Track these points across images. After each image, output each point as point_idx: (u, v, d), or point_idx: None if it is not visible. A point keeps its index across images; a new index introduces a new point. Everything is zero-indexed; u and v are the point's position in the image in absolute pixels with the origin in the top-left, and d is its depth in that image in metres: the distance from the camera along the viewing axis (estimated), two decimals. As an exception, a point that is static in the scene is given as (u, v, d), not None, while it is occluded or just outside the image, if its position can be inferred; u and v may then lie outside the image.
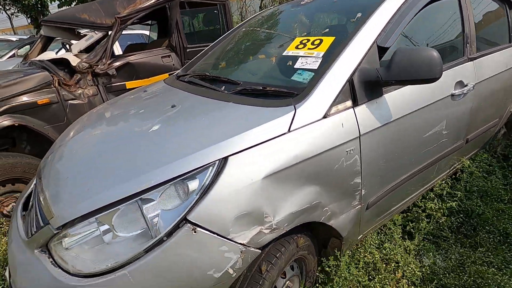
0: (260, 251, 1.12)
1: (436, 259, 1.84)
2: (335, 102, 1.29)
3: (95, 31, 3.13)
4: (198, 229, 1.01)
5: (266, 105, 1.30)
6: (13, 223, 1.46)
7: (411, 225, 2.00)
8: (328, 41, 1.53)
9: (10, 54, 7.51)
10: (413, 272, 1.67)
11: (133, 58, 3.00)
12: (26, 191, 1.67)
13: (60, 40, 3.71)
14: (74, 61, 2.73)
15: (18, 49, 7.92)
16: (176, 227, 1.01)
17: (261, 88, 1.44)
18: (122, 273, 0.98)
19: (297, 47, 1.63)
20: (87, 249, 1.11)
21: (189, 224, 1.01)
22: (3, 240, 2.06)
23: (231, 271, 1.06)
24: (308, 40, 1.61)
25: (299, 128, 1.20)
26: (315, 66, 1.44)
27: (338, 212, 1.39)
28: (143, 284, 0.98)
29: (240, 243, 1.06)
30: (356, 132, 1.32)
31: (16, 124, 2.29)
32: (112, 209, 1.05)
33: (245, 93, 1.47)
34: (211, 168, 1.07)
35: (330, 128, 1.26)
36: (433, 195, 2.07)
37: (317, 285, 1.63)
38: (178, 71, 2.39)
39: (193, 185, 1.05)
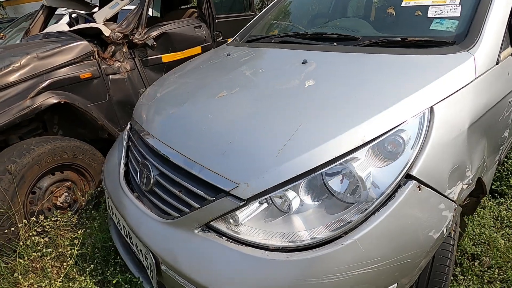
0: (462, 208, 1.03)
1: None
2: (502, 49, 1.20)
3: (120, -2, 2.76)
4: (422, 186, 0.90)
5: (429, 53, 1.18)
6: (127, 207, 1.24)
7: (495, 184, 2.01)
8: (457, -12, 1.42)
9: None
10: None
11: (168, 28, 2.70)
12: (118, 170, 1.43)
13: (70, 12, 3.25)
14: (106, 31, 2.40)
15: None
16: (398, 185, 0.89)
17: (400, 39, 1.32)
18: (351, 242, 0.84)
19: (417, -3, 1.50)
20: (267, 222, 0.96)
21: (414, 181, 0.89)
22: (67, 234, 1.78)
23: (445, 230, 0.96)
24: (429, -11, 1.49)
25: (481, 75, 1.10)
26: (456, 13, 1.33)
27: (487, 168, 1.32)
28: (371, 253, 0.85)
29: (453, 200, 0.96)
30: (515, 80, 1.25)
31: (62, 102, 1.96)
32: (317, 173, 0.90)
33: (378, 46, 1.34)
34: (419, 119, 0.95)
35: (501, 75, 1.18)
36: (514, 153, 2.10)
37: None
38: (236, 36, 2.18)
39: (405, 138, 0.92)
